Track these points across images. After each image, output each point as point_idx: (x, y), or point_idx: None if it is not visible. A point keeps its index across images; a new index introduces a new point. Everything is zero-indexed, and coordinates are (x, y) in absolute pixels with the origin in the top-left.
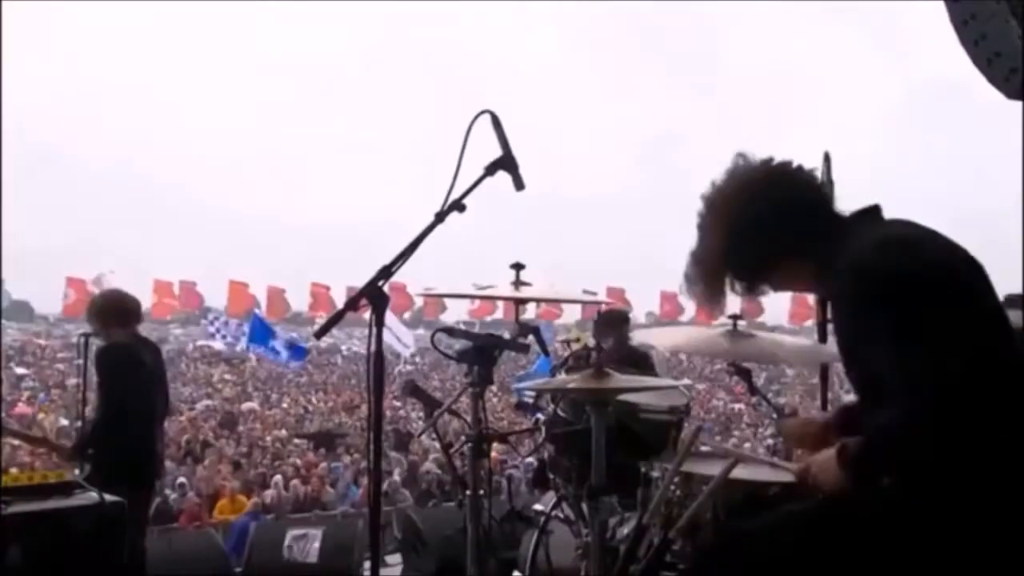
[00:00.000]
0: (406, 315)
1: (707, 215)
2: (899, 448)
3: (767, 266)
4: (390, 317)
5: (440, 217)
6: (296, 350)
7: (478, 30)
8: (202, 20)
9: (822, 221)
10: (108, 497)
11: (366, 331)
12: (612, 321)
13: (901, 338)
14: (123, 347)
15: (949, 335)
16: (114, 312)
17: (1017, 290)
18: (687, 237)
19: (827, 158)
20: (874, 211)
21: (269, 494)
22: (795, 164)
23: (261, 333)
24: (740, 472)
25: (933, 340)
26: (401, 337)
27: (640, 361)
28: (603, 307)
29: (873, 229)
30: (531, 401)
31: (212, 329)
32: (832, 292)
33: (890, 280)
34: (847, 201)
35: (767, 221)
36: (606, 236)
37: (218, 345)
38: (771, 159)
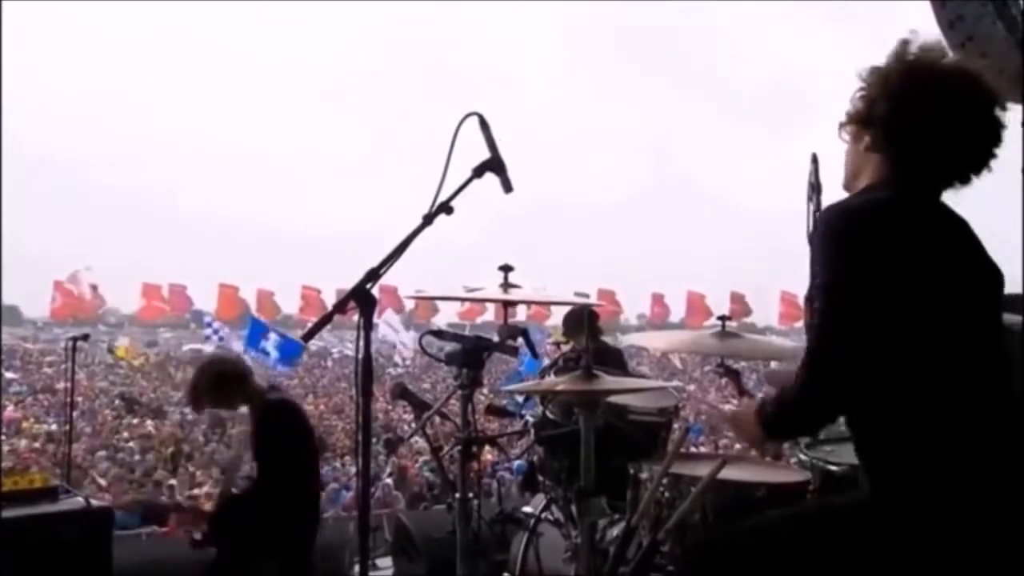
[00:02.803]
0: (397, 317)
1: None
2: (794, 419)
3: (861, 132)
4: (393, 320)
5: (428, 219)
6: (286, 349)
7: (475, 36)
8: (196, 29)
9: (923, 170)
10: (95, 502)
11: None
12: (582, 319)
13: (823, 303)
14: (285, 405)
15: (862, 322)
16: (230, 379)
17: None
18: (678, 240)
19: (815, 159)
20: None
21: None
22: (990, 101)
23: (255, 335)
24: (728, 473)
25: (848, 323)
26: (406, 342)
27: (614, 358)
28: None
29: (879, 193)
30: (512, 407)
31: (209, 331)
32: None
33: (831, 245)
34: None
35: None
36: (597, 238)
37: (209, 349)
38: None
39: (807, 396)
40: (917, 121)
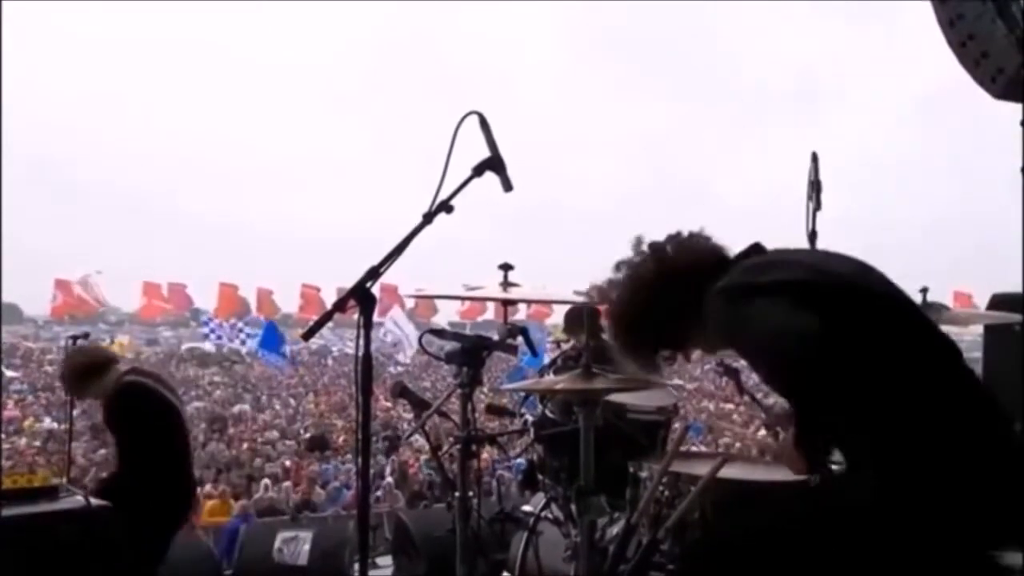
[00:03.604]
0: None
1: (616, 308)
2: None
3: (680, 342)
4: (401, 318)
5: (428, 218)
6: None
7: (475, 37)
8: (196, 30)
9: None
10: (95, 501)
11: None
12: (582, 317)
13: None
14: (134, 387)
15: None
16: (95, 369)
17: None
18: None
19: (815, 158)
20: (748, 254)
21: (259, 496)
22: (679, 243)
23: (271, 339)
24: (728, 472)
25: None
26: (410, 337)
27: (613, 355)
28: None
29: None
30: (516, 406)
31: (206, 330)
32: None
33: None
34: (854, 200)
35: (664, 312)
36: (597, 237)
37: (208, 347)
38: (659, 249)
39: None
40: (678, 292)
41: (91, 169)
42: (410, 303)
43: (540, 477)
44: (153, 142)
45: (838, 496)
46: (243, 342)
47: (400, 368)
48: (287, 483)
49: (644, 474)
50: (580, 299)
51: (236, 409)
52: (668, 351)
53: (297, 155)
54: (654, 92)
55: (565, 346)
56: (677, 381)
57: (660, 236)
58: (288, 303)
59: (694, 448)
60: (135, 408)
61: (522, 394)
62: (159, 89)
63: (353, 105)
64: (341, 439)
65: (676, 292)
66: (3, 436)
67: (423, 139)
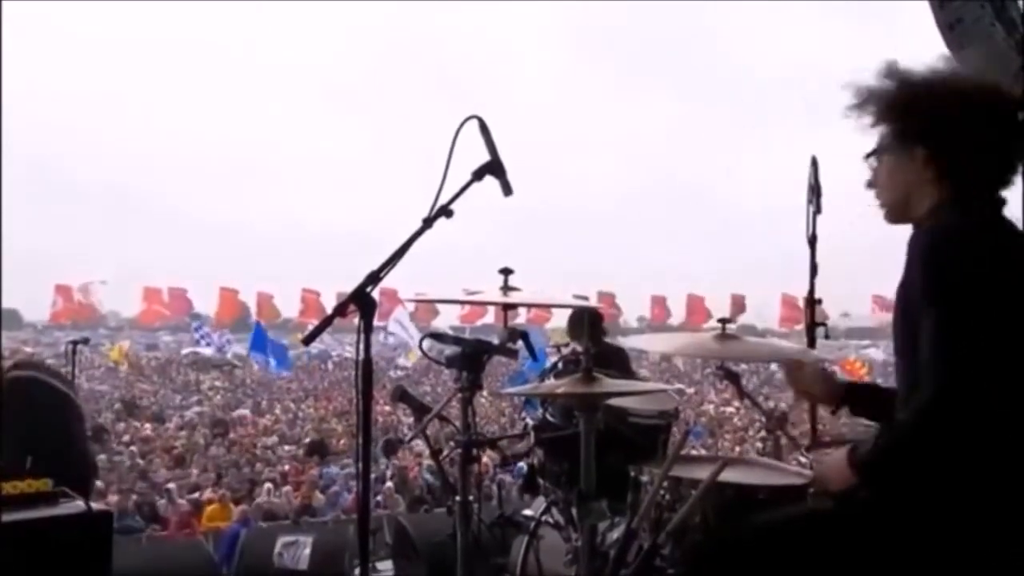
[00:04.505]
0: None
1: (928, 79)
2: (905, 453)
3: (910, 150)
4: (404, 318)
5: (428, 223)
6: (280, 359)
7: (475, 37)
8: (196, 30)
9: (980, 177)
10: (95, 506)
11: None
12: (585, 320)
13: (945, 333)
14: (21, 383)
15: (988, 348)
16: None
17: None
18: (678, 242)
19: (814, 162)
20: (998, 202)
21: (260, 500)
22: None
23: (259, 342)
24: (729, 475)
25: (970, 350)
26: (414, 338)
27: (615, 357)
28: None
29: (980, 215)
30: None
31: (197, 336)
32: (912, 249)
33: (954, 274)
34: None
35: (958, 132)
36: (597, 241)
37: (208, 352)
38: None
39: (932, 434)
40: (978, 137)
41: (91, 169)
42: (410, 307)
43: (541, 481)
44: (153, 142)
45: (837, 502)
46: (230, 344)
47: (400, 372)
48: (287, 487)
49: (645, 478)
50: (580, 303)
51: (236, 413)
52: (915, 148)
53: (297, 155)
54: (654, 92)
55: (565, 350)
56: (678, 385)
57: (660, 236)
58: (288, 307)
59: (695, 452)
60: (29, 402)
61: (522, 397)
62: (159, 89)
63: (353, 105)
64: (341, 443)
65: (980, 129)
66: None
67: (423, 139)
